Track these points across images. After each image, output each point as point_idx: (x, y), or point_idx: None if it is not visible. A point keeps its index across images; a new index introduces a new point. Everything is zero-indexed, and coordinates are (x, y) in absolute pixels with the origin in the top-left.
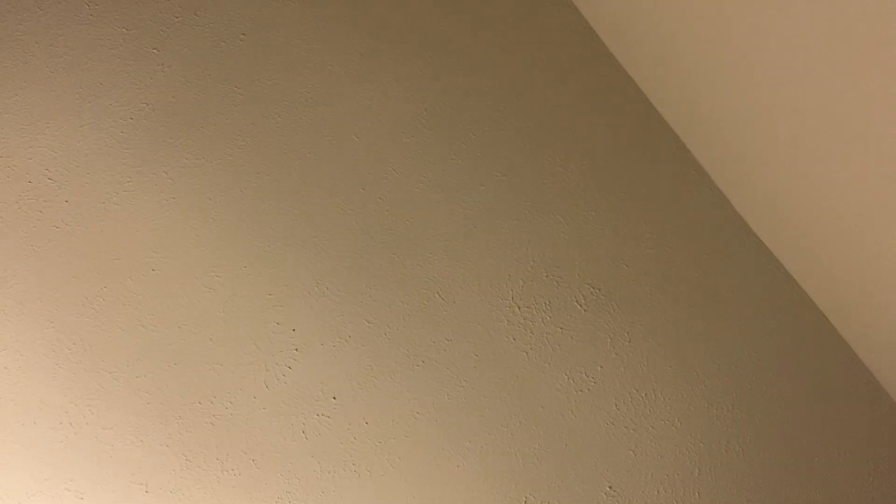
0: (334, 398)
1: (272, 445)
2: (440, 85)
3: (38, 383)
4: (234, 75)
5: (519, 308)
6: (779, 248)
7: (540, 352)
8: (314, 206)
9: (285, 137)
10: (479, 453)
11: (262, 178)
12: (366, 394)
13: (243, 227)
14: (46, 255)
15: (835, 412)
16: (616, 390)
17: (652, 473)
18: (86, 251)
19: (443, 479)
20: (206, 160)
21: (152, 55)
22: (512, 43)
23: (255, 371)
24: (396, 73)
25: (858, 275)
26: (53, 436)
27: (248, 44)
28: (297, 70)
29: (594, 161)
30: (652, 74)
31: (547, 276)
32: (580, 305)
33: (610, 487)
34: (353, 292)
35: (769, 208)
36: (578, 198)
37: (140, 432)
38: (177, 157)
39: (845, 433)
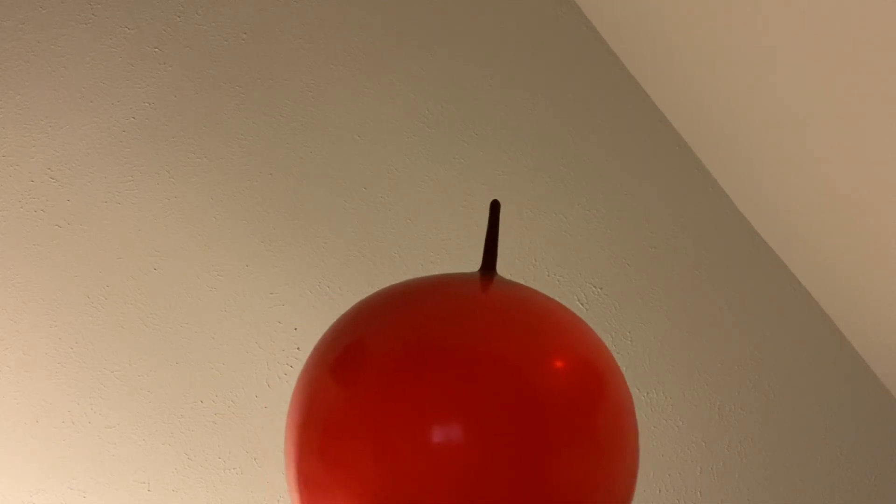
0: None
1: (274, 444)
2: (443, 84)
3: (41, 382)
4: (237, 74)
5: None
6: (781, 247)
7: None
8: (316, 205)
9: (287, 136)
10: None
11: (265, 176)
12: None
13: (245, 225)
14: (48, 254)
15: (838, 412)
16: None
17: (654, 472)
18: (88, 250)
19: None
20: (209, 159)
21: (154, 54)
22: (515, 43)
23: (256, 370)
24: (399, 73)
25: (863, 275)
26: (56, 434)
27: (250, 43)
28: (299, 69)
29: (597, 160)
30: (655, 73)
31: (549, 275)
32: (582, 304)
33: None
34: (355, 291)
35: (772, 208)
36: (580, 196)
37: (142, 431)
38: (179, 156)
39: (848, 433)
